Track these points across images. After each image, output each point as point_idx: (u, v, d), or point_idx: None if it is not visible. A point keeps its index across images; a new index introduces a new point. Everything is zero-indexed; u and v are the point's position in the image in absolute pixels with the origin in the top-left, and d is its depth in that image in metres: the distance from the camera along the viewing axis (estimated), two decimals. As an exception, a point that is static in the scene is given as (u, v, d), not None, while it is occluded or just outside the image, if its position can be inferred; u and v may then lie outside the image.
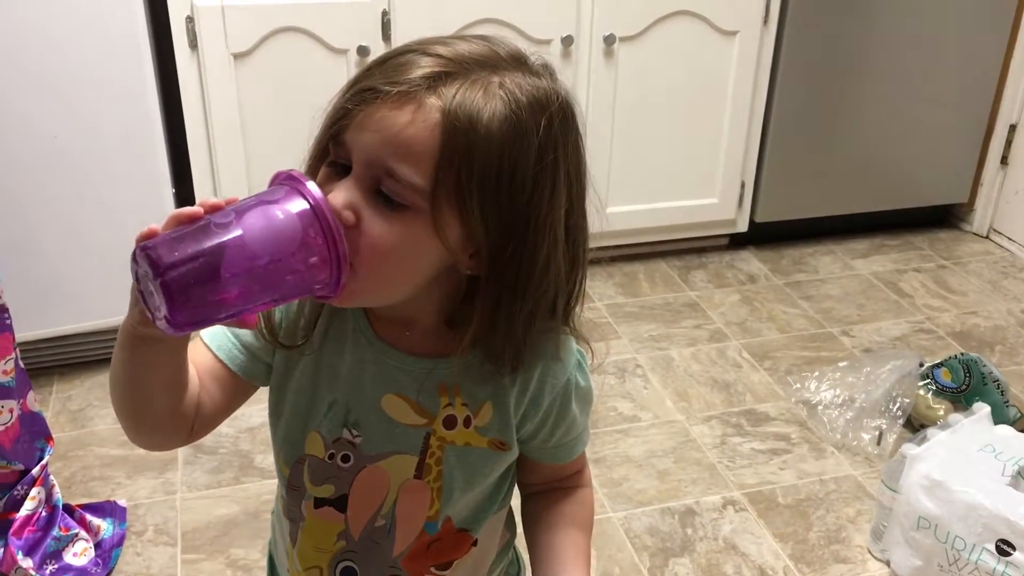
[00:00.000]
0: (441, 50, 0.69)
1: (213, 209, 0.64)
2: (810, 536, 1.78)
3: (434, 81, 0.67)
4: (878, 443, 1.97)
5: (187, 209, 0.63)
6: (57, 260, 2.02)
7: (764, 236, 2.82)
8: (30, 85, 1.85)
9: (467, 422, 0.81)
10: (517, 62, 0.71)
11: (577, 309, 0.81)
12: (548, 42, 2.34)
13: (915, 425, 2.03)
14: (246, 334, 0.81)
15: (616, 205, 2.59)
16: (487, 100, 0.67)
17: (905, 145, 2.79)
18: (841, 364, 2.17)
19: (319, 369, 0.81)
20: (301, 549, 0.87)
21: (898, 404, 2.01)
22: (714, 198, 2.69)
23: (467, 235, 0.69)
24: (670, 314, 2.49)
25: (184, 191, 2.26)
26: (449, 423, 0.80)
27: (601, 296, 2.54)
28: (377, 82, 0.68)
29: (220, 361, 0.81)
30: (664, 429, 2.05)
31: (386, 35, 2.22)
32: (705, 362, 2.29)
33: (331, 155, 0.71)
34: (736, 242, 2.84)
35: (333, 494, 0.83)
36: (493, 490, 0.87)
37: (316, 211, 0.64)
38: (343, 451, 0.82)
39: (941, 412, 1.99)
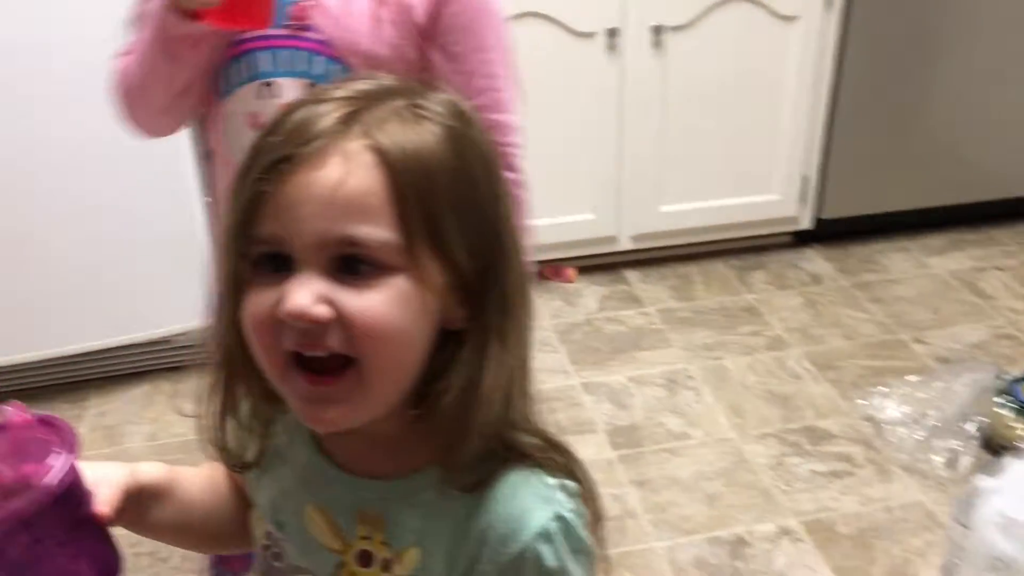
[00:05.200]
0: (336, 93, 0.59)
1: None
2: (873, 571, 1.63)
3: (346, 123, 0.56)
4: (951, 467, 1.81)
5: None
6: (86, 272, 1.99)
7: (831, 233, 2.65)
8: (55, 92, 1.81)
9: (386, 566, 0.65)
10: (411, 82, 0.63)
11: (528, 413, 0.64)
12: (591, 35, 2.22)
13: (994, 447, 1.86)
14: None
15: (669, 203, 2.46)
16: (410, 123, 0.58)
17: (984, 132, 2.58)
18: (911, 378, 2.01)
19: (271, 451, 0.71)
20: None
21: (974, 423, 1.84)
22: (774, 194, 2.53)
23: (450, 279, 0.59)
24: (726, 319, 2.34)
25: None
26: (364, 560, 0.66)
27: (653, 300, 2.41)
28: (285, 150, 0.56)
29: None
30: (715, 448, 1.91)
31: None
32: (762, 373, 2.14)
33: (252, 254, 0.58)
34: (800, 240, 2.67)
35: None
36: None
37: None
38: (275, 548, 0.71)
39: (1022, 433, 1.82)
